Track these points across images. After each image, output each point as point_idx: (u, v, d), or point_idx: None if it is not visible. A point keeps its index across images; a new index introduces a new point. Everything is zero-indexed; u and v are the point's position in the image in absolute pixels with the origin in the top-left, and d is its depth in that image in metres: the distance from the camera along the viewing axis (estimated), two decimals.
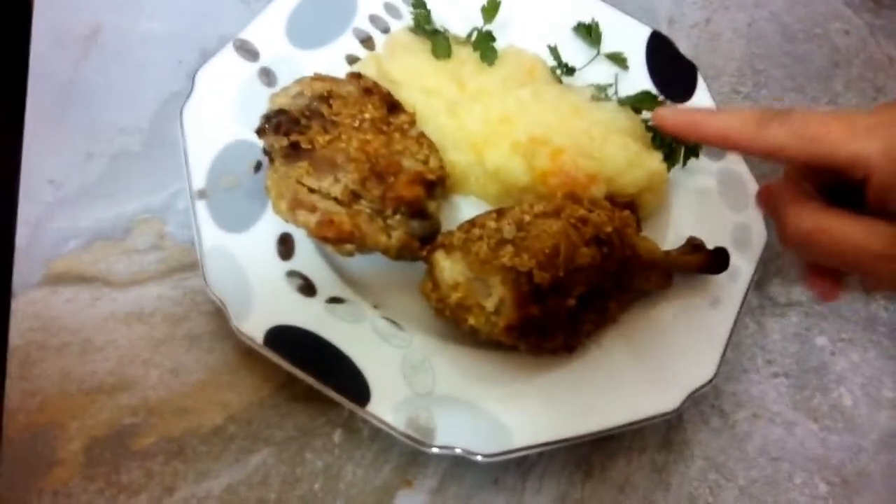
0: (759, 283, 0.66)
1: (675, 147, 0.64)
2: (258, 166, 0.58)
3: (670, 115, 0.51)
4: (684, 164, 0.65)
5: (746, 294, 0.60)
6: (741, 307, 0.60)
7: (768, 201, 0.50)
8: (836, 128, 0.42)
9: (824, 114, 0.44)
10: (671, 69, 0.72)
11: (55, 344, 0.54)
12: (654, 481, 0.57)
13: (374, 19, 0.69)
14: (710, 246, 0.60)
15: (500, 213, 0.54)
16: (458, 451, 0.50)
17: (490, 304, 0.51)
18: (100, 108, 0.64)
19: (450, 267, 0.52)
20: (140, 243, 0.59)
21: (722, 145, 0.48)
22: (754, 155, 0.48)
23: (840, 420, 0.62)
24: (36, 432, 0.51)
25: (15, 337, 0.54)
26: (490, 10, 0.68)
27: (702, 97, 0.71)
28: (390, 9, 0.70)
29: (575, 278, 0.51)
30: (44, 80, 0.65)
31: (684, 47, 0.72)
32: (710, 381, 0.56)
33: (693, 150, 0.64)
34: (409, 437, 0.50)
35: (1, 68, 0.73)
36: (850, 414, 0.63)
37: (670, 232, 0.63)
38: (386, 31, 0.69)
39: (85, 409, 0.52)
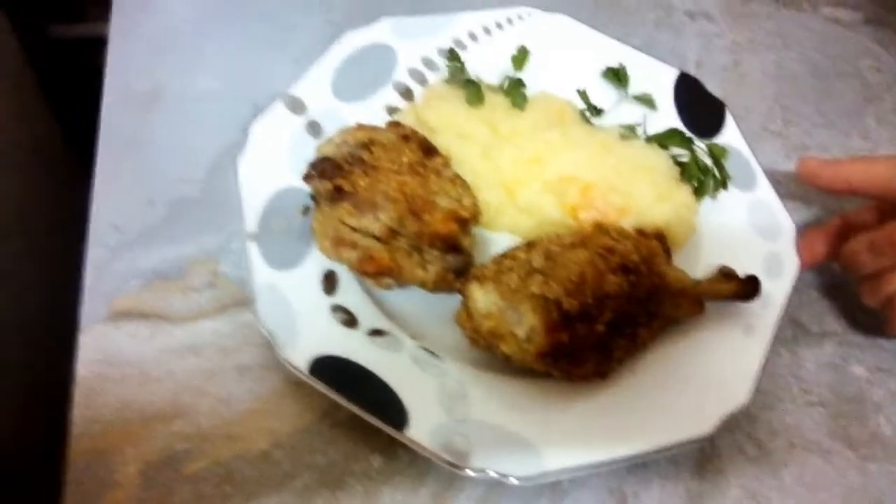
0: (791, 313, 0.66)
1: (703, 180, 0.66)
2: (306, 210, 0.62)
3: (817, 167, 0.51)
4: (714, 195, 0.66)
5: (779, 320, 0.61)
6: (774, 333, 0.60)
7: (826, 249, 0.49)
8: None
9: None
10: (699, 107, 0.74)
11: (116, 375, 0.58)
12: None
13: (412, 73, 0.73)
14: (741, 274, 0.61)
15: (529, 245, 0.57)
16: (492, 473, 0.51)
17: (521, 332, 0.53)
18: (161, 159, 0.70)
19: (483, 297, 0.54)
20: (196, 282, 0.63)
21: (875, 196, 0.47)
22: None
23: (879, 449, 0.61)
24: (97, 456, 0.55)
25: (81, 369, 0.58)
26: (519, 59, 0.71)
27: (731, 134, 0.72)
28: (428, 63, 0.74)
29: (603, 305, 0.53)
30: (111, 134, 0.70)
31: (713, 89, 0.74)
32: (744, 405, 0.56)
33: (722, 182, 0.66)
34: (444, 459, 0.51)
35: (75, 123, 0.79)
36: (889, 443, 0.62)
37: (702, 261, 0.65)
38: (424, 82, 0.73)
39: (141, 436, 0.56)
